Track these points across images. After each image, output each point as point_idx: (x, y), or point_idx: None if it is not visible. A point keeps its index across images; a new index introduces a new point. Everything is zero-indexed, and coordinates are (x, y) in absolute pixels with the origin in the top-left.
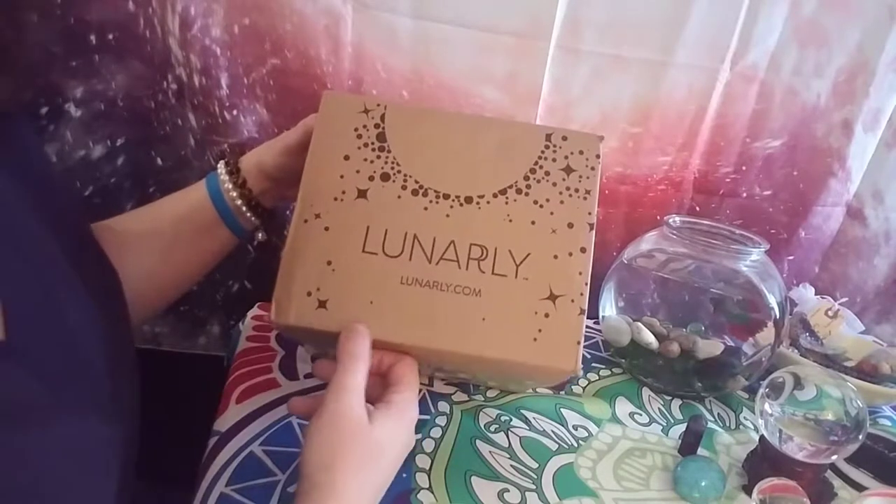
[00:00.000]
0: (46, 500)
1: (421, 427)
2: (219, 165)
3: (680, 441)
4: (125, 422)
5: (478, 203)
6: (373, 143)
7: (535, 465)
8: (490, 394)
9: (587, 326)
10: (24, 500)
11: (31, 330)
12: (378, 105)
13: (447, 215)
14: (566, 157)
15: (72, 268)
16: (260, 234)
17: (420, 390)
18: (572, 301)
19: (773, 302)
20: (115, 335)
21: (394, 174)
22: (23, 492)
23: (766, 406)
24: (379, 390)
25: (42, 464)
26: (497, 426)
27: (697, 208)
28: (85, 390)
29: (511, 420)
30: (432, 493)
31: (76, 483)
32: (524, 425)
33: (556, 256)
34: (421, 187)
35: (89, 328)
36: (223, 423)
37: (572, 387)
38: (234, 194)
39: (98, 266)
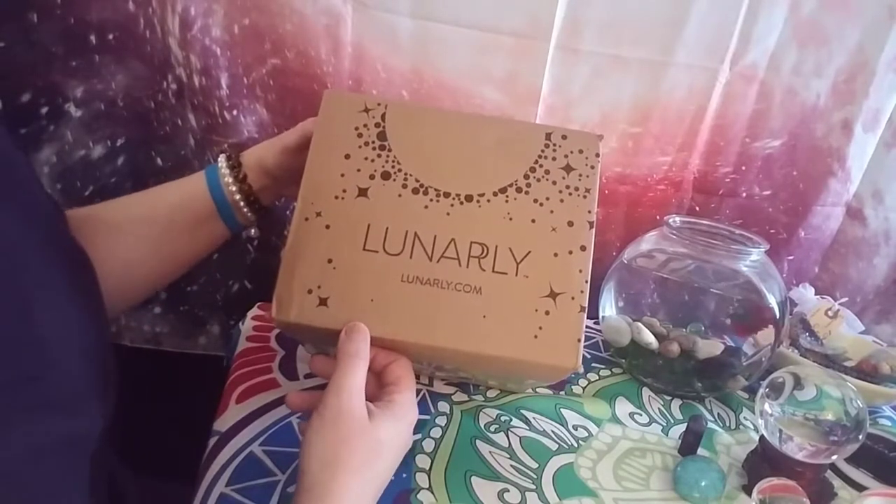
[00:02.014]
0: (10, 501)
1: (421, 427)
2: (220, 159)
3: (680, 441)
4: (97, 416)
5: (478, 201)
6: (373, 142)
7: (535, 465)
8: (490, 394)
9: (587, 327)
10: None
11: None
12: (379, 104)
13: (448, 213)
14: (566, 156)
15: (43, 265)
16: (253, 231)
17: (420, 390)
18: (572, 298)
19: (773, 302)
20: (89, 331)
21: (394, 173)
22: None
23: (766, 406)
24: (373, 388)
25: (4, 467)
26: (497, 426)
27: (697, 208)
28: (48, 389)
29: (511, 420)
30: (432, 493)
31: (41, 482)
32: (524, 425)
33: (556, 254)
34: (421, 186)
35: (59, 326)
36: (223, 423)
37: (572, 387)
38: (234, 188)
39: (72, 260)
